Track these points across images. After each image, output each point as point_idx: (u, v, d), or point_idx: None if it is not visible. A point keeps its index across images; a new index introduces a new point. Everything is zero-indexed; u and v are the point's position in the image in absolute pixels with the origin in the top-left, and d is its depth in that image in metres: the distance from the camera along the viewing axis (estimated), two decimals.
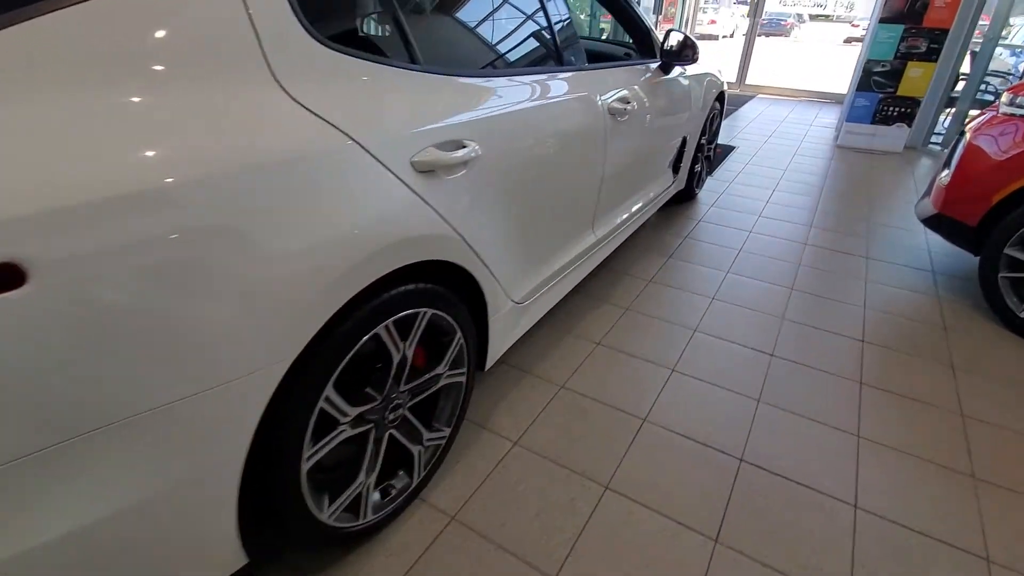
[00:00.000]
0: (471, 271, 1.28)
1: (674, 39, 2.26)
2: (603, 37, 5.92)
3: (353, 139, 0.94)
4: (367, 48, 1.07)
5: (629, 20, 2.27)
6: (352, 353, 1.00)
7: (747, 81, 7.59)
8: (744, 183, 3.82)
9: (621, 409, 1.67)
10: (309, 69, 0.94)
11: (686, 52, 2.27)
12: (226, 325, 0.76)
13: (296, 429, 0.94)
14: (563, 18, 1.69)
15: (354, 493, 1.14)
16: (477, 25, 1.48)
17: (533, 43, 1.61)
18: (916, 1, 4.27)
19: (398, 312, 1.08)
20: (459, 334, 1.30)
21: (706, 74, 2.95)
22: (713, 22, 21.02)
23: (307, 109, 0.90)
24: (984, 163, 2.24)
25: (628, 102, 1.91)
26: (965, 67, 4.85)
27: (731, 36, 21.47)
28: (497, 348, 1.55)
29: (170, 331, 0.71)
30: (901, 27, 4.39)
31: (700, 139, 3.08)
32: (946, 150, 3.87)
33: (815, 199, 3.53)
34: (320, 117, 0.91)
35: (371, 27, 1.12)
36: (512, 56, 1.52)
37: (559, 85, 1.59)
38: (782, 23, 23.69)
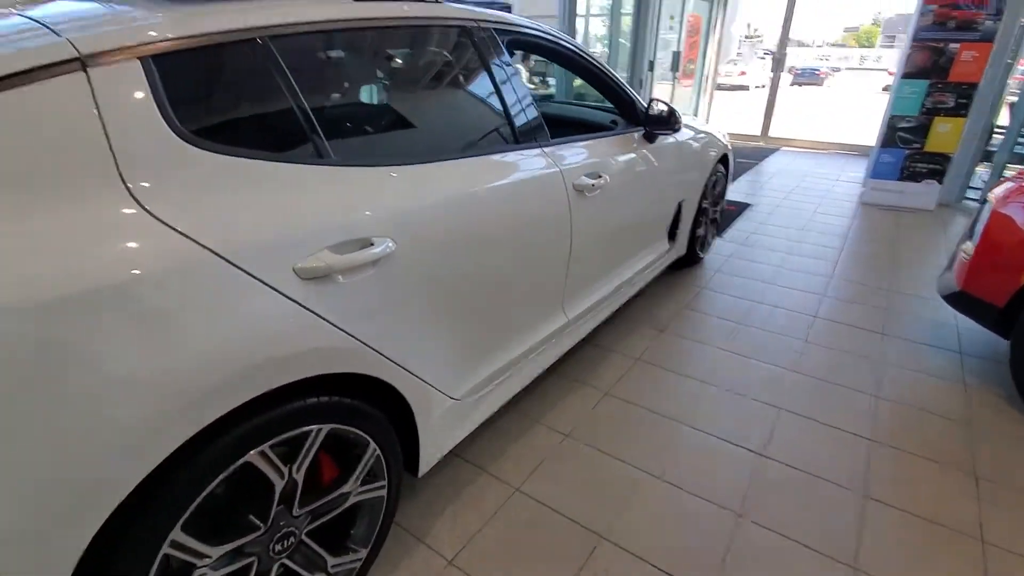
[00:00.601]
0: (384, 378, 1.16)
1: (658, 108, 2.17)
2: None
3: (214, 252, 0.85)
4: (255, 144, 1.00)
5: (610, 90, 2.19)
6: (208, 490, 0.88)
7: (771, 133, 7.43)
8: (756, 245, 3.62)
9: (578, 522, 1.47)
10: (172, 174, 0.86)
11: (670, 121, 2.17)
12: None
13: None
14: (517, 93, 1.62)
15: None
16: (406, 109, 1.42)
17: (477, 123, 1.54)
18: (940, 56, 4.09)
19: (277, 435, 0.96)
20: (372, 446, 1.17)
21: (705, 137, 2.83)
22: (743, 73, 21.12)
23: (160, 221, 0.82)
24: (1011, 236, 2.01)
25: (599, 176, 1.80)
26: (1004, 118, 4.58)
27: (763, 86, 21.55)
28: (434, 451, 1.40)
29: None
30: (926, 83, 4.20)
31: (702, 202, 2.93)
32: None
33: (832, 264, 3.29)
34: (175, 230, 0.82)
35: (261, 120, 1.05)
36: (448, 139, 1.44)
37: (509, 166, 1.50)
38: (816, 73, 23.58)
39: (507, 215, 1.45)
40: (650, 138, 2.23)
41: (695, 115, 7.68)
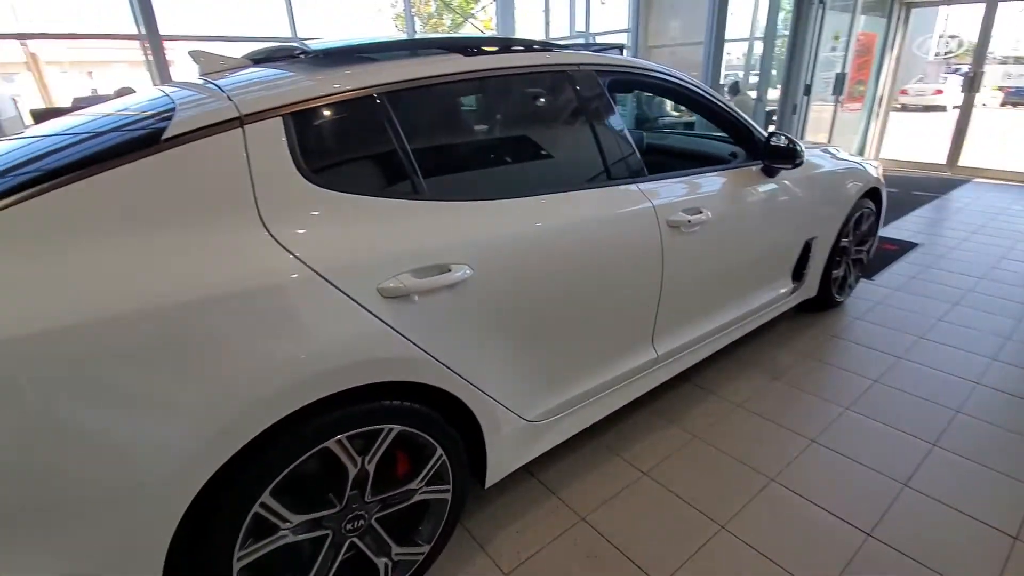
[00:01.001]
0: (452, 391, 1.28)
1: (777, 141, 2.04)
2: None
3: (315, 271, 1.04)
4: (364, 184, 1.19)
5: (725, 123, 2.12)
6: (294, 465, 1.06)
7: (961, 162, 6.36)
8: (915, 291, 3.15)
9: (637, 563, 1.45)
10: (296, 207, 1.08)
11: (789, 155, 2.03)
12: (143, 434, 0.89)
13: (226, 528, 1.02)
14: (612, 132, 1.66)
15: None
16: (496, 150, 1.54)
17: (566, 161, 1.61)
18: None
19: (354, 428, 1.12)
20: (439, 451, 1.29)
21: (845, 169, 2.58)
22: (939, 92, 18.26)
23: (280, 245, 1.03)
24: None
25: (699, 212, 1.77)
26: None
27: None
28: (502, 466, 1.49)
29: (94, 432, 0.86)
30: None
31: (839, 241, 2.66)
32: None
33: (1014, 321, 2.74)
34: (288, 251, 1.03)
35: (369, 162, 1.24)
36: (534, 177, 1.54)
37: (595, 201, 1.54)
38: None
39: (589, 249, 1.49)
40: (769, 172, 2.10)
41: (864, 140, 6.88)
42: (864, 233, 2.90)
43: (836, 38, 5.51)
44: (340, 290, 1.06)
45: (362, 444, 1.17)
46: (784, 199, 2.19)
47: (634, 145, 1.71)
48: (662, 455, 1.85)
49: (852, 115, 6.50)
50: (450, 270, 1.20)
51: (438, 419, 1.26)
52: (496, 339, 1.35)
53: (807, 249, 2.47)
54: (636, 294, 1.68)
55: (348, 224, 1.13)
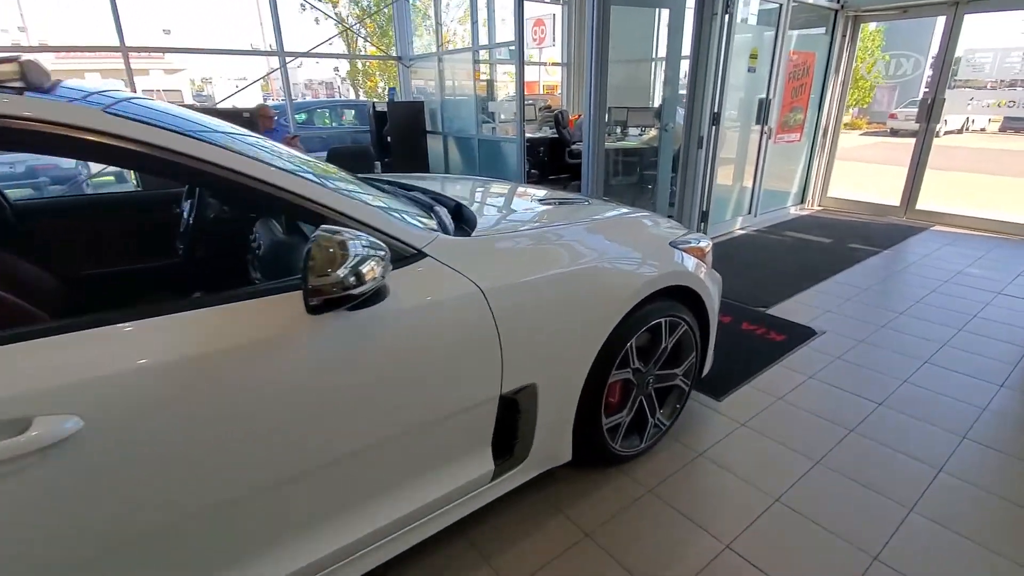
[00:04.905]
0: None
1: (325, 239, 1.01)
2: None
3: None
4: None
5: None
6: None
7: (918, 205, 5.32)
8: (768, 427, 2.08)
9: None
10: None
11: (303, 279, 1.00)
12: None
13: None
14: None
15: None
16: None
17: None
18: None
19: None
20: None
21: (596, 270, 1.57)
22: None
23: None
24: None
25: (25, 429, 0.77)
26: None
27: (960, 131, 17.02)
28: None
29: None
30: None
31: (611, 375, 1.64)
32: None
33: (926, 471, 1.68)
34: None
35: None
36: None
37: None
38: None
39: None
40: (329, 302, 1.06)
41: (806, 176, 5.86)
42: (672, 352, 1.87)
43: (753, 57, 4.53)
44: None
45: None
46: (385, 346, 1.16)
47: None
48: None
49: (789, 147, 5.48)
50: None
51: None
52: None
53: (509, 406, 1.44)
54: None
55: None
